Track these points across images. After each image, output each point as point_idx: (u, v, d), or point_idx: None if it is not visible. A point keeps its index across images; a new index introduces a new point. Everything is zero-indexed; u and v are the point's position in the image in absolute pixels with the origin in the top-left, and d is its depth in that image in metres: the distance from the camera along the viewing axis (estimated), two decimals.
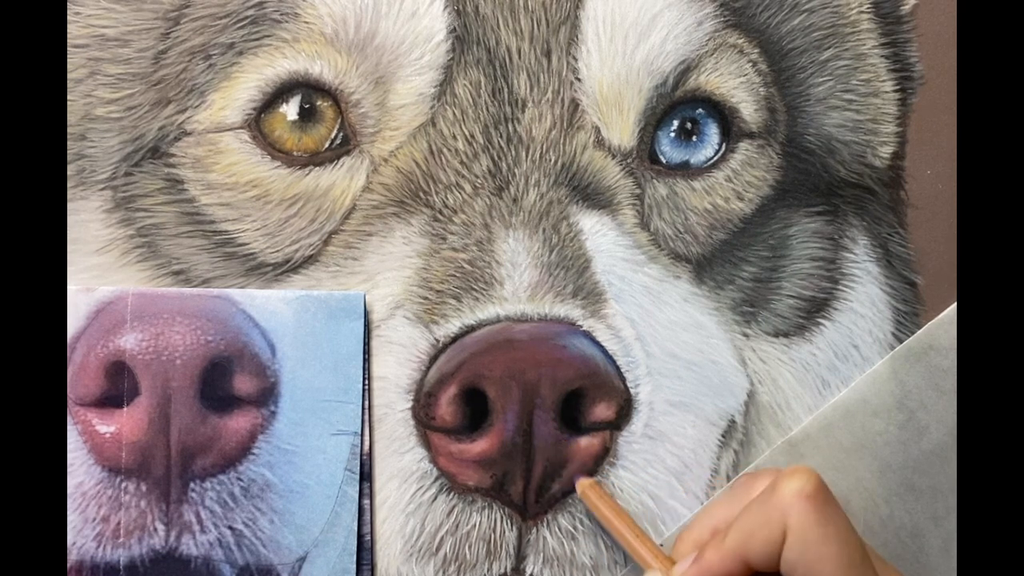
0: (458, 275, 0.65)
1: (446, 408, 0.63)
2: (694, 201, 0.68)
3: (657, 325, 0.67)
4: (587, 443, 0.64)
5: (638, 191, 0.67)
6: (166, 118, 0.66)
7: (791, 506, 0.54)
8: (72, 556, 0.64)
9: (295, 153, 0.66)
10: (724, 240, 0.68)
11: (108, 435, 0.64)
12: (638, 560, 0.62)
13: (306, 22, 0.65)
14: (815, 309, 0.69)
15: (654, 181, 0.68)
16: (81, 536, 0.64)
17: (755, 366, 0.68)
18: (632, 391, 0.65)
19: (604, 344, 0.64)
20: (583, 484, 0.64)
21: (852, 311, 0.70)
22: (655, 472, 0.65)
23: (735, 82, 0.68)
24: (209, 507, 0.64)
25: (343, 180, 0.66)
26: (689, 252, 0.68)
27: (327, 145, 0.66)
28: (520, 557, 0.64)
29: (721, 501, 0.62)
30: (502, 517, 0.64)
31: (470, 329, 0.64)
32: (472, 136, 0.66)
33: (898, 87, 0.70)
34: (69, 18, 0.66)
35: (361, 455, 0.65)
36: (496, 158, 0.66)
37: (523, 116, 0.66)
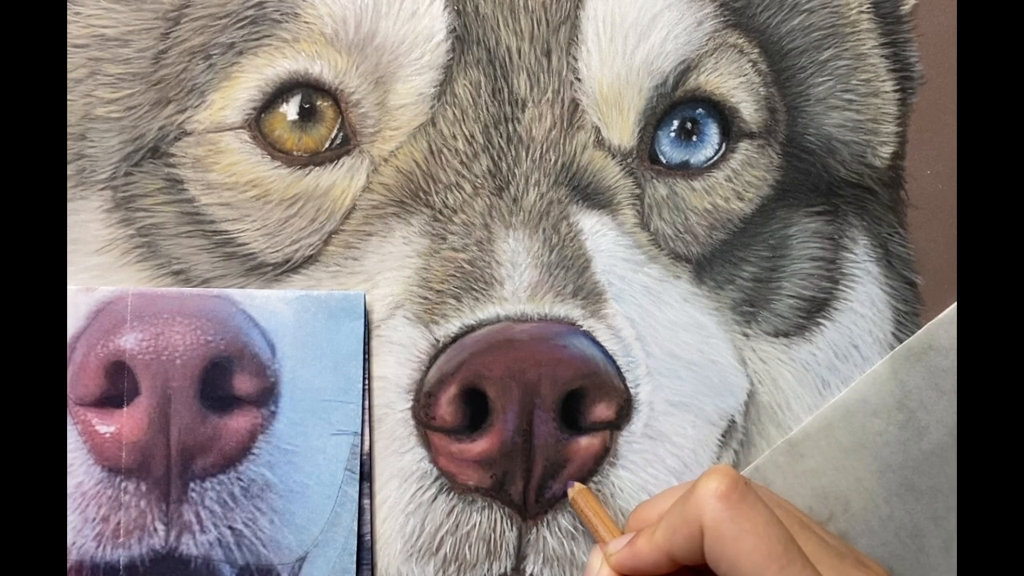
0: (458, 275, 0.65)
1: (446, 408, 0.63)
2: (694, 201, 0.68)
3: (657, 325, 0.67)
4: (587, 443, 0.64)
5: (638, 191, 0.67)
6: (166, 118, 0.66)
7: (705, 505, 0.56)
8: (72, 556, 0.64)
9: (295, 153, 0.66)
10: (724, 240, 0.68)
11: (108, 435, 0.64)
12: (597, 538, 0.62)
13: (306, 22, 0.65)
14: (815, 309, 0.69)
15: (654, 181, 0.68)
16: (81, 536, 0.64)
17: (755, 366, 0.68)
18: (632, 391, 0.65)
19: (604, 344, 0.64)
20: (574, 490, 0.64)
21: (852, 311, 0.70)
22: (655, 472, 0.65)
23: (735, 82, 0.68)
24: (209, 507, 0.64)
25: (343, 180, 0.66)
26: (689, 252, 0.68)
27: (327, 145, 0.66)
28: (520, 557, 0.64)
29: (681, 486, 0.63)
30: (502, 517, 0.64)
31: (470, 329, 0.64)
32: (472, 136, 0.66)
33: (898, 87, 0.70)
34: (69, 18, 0.66)
35: (361, 455, 0.65)
36: (496, 158, 0.66)
37: (523, 116, 0.66)
